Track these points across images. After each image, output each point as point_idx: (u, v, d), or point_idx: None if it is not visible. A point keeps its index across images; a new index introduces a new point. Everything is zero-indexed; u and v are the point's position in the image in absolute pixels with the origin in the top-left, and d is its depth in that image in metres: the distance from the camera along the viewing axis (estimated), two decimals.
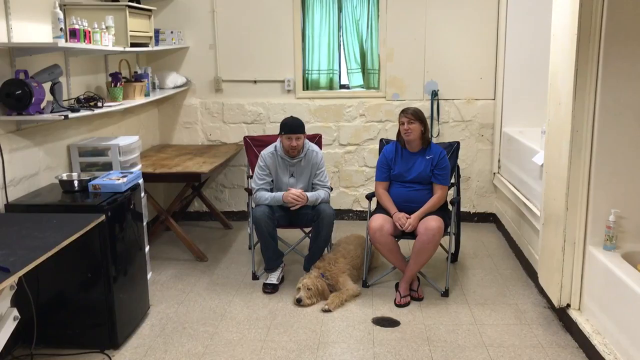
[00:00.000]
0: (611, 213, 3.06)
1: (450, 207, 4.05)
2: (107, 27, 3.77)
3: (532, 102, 4.81)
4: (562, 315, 3.45)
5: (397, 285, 3.90)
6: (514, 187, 4.65)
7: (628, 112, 3.01)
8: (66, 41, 3.38)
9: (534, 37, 4.70)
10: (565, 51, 3.16)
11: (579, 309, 3.28)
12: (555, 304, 3.37)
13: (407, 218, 3.76)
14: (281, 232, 4.19)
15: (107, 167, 3.76)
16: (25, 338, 3.14)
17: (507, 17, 4.91)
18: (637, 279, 2.73)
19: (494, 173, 5.28)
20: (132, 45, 4.13)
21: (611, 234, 3.06)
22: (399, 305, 3.75)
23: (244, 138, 4.59)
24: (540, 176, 3.80)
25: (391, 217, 3.82)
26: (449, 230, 3.93)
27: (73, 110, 3.46)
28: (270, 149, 4.14)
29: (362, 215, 5.48)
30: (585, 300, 3.22)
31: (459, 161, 4.32)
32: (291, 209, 3.98)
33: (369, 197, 4.14)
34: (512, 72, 4.94)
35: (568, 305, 3.33)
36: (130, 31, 4.06)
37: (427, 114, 5.06)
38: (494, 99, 5.22)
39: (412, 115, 3.84)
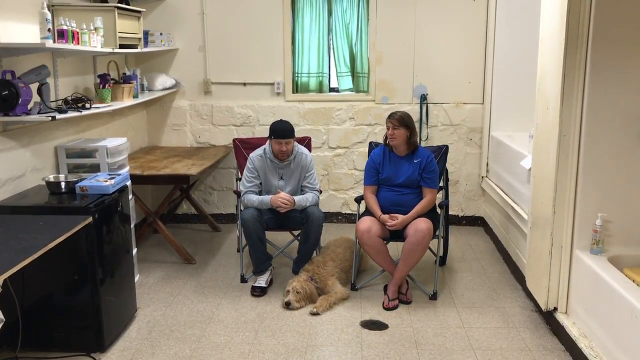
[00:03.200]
0: (598, 217, 3.08)
1: (438, 210, 4.06)
2: (95, 28, 3.75)
3: (520, 107, 4.85)
4: (549, 319, 3.47)
5: (385, 288, 3.91)
6: (502, 190, 4.68)
7: (615, 116, 3.03)
8: (54, 42, 3.35)
9: (522, 41, 4.72)
10: (553, 56, 3.19)
11: (566, 313, 3.30)
12: (543, 307, 3.39)
13: (393, 218, 3.77)
14: (270, 235, 4.18)
15: (95, 168, 3.74)
16: (10, 341, 3.10)
17: (495, 21, 4.94)
18: (624, 282, 2.75)
19: (482, 177, 5.30)
20: (121, 46, 4.11)
21: (598, 238, 3.09)
22: (387, 309, 3.75)
23: (233, 140, 4.57)
24: (528, 180, 3.82)
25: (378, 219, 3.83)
26: (437, 233, 3.94)
27: (60, 111, 3.44)
28: (259, 151, 4.13)
29: (351, 218, 5.48)
30: (572, 303, 3.24)
31: (447, 165, 4.34)
32: (280, 211, 3.98)
33: (358, 200, 4.15)
34: (501, 76, 4.97)
35: (555, 309, 3.34)
36: (119, 32, 4.04)
37: (416, 117, 5.09)
38: (483, 103, 5.25)
39: (397, 121, 3.85)
